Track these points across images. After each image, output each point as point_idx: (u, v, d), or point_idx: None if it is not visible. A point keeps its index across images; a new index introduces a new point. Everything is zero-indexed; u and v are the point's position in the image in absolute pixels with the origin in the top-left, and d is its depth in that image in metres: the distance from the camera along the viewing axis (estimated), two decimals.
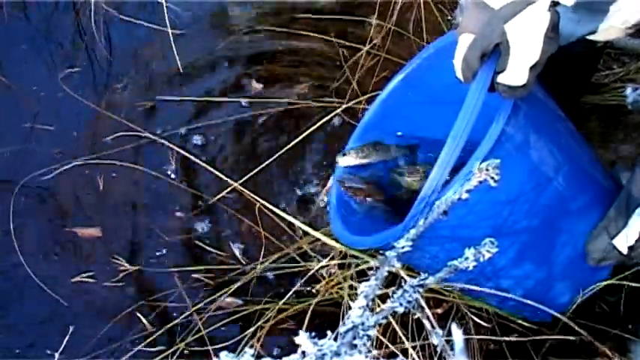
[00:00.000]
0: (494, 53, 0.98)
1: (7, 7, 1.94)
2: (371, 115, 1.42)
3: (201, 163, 1.67)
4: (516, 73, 0.97)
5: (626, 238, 1.13)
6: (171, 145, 1.70)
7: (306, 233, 1.52)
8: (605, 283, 1.23)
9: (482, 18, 0.97)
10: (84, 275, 1.55)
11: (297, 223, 1.52)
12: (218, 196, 1.63)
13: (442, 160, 1.00)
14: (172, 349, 1.42)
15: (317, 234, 1.47)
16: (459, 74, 1.03)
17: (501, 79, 0.99)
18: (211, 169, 1.65)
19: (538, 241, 1.18)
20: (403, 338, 1.29)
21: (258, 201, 1.58)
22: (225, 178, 1.63)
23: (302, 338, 0.75)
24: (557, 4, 0.95)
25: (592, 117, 1.64)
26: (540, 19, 0.94)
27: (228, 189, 1.63)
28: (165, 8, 1.81)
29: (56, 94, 1.81)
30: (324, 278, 1.46)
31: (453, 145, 0.99)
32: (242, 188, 1.62)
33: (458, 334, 0.61)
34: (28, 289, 1.53)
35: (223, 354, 0.71)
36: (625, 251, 1.14)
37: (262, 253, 1.55)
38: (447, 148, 1.00)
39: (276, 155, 1.67)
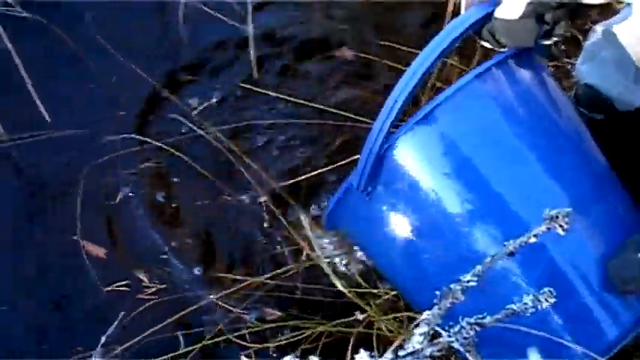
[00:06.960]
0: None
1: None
2: None
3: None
4: (511, 3, 0.99)
5: None
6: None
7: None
8: None
9: None
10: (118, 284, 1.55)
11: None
12: None
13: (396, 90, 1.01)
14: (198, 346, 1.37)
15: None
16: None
17: (497, 12, 1.02)
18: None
19: None
20: None
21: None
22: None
23: (362, 356, 0.77)
24: None
25: None
26: None
27: None
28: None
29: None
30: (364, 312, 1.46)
31: (410, 72, 1.00)
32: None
33: (535, 357, 0.62)
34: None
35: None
36: None
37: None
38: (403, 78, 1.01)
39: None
